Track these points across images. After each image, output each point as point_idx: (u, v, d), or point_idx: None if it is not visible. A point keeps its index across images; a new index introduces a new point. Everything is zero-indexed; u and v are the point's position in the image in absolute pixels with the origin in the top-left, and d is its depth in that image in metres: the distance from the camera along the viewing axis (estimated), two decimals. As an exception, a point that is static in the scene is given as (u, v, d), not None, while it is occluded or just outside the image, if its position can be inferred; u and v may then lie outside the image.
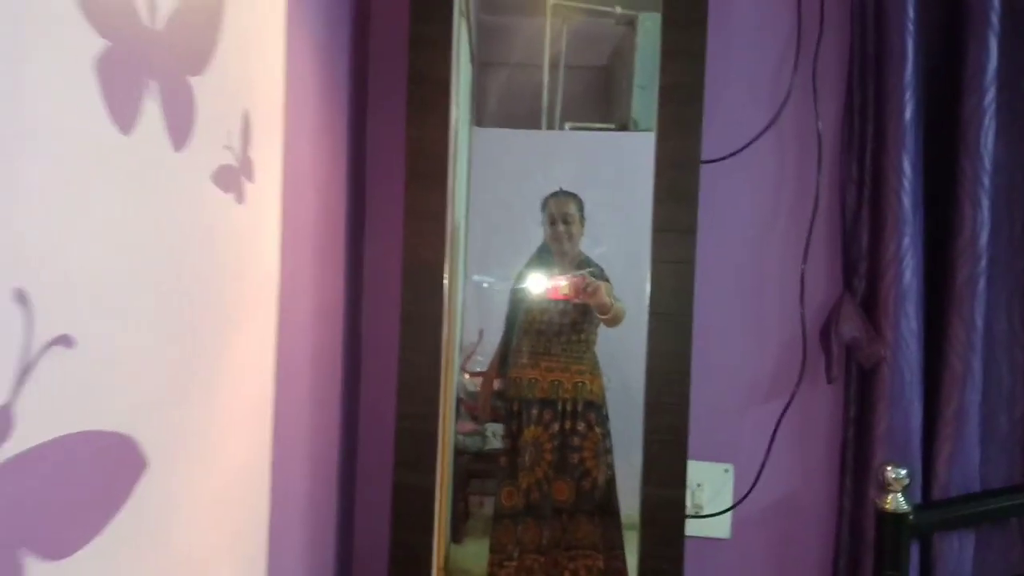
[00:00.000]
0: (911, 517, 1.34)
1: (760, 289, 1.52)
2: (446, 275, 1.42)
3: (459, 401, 1.74)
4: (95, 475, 0.63)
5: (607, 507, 1.62)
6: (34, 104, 0.54)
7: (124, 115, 0.65)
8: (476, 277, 1.77)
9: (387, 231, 1.53)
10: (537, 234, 1.68)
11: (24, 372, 0.54)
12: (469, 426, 1.77)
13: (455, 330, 1.74)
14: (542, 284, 1.64)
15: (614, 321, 1.54)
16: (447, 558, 1.69)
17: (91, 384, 0.62)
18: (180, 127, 0.74)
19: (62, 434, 0.58)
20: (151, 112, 0.69)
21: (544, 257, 1.68)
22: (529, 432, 1.64)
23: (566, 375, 1.63)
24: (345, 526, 1.51)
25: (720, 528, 1.52)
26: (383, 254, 1.55)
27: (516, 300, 1.71)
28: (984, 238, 1.36)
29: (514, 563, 1.63)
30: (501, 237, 1.80)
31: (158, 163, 0.71)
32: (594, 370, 1.62)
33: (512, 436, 1.65)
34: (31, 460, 0.55)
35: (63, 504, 0.59)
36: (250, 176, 0.93)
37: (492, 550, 1.65)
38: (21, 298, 0.53)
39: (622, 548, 1.63)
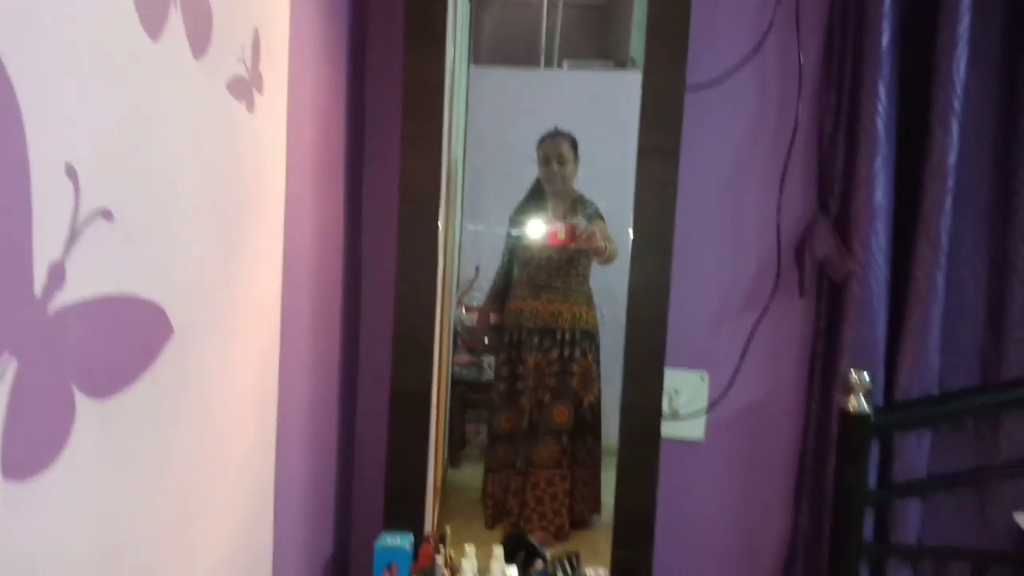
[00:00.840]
0: (872, 418, 1.45)
1: (739, 209, 1.61)
2: (442, 201, 1.51)
3: (456, 334, 1.85)
4: (131, 334, 0.73)
5: (593, 429, 1.74)
6: (81, 12, 0.63)
7: (153, 24, 0.73)
8: (472, 215, 1.85)
9: (384, 157, 1.61)
10: (533, 172, 1.75)
11: (72, 236, 0.64)
12: (466, 358, 1.89)
13: (452, 263, 1.82)
14: (539, 230, 1.74)
15: (608, 261, 1.64)
16: (444, 480, 1.82)
17: (128, 255, 0.72)
18: (200, 37, 0.83)
19: (104, 293, 0.69)
20: (175, 22, 0.77)
21: (539, 195, 1.77)
22: (531, 359, 1.75)
23: (565, 306, 1.73)
24: (346, 427, 1.64)
25: (695, 431, 1.64)
26: (381, 179, 1.63)
27: (513, 237, 1.81)
28: (952, 159, 1.44)
29: (511, 480, 1.77)
30: (498, 176, 1.87)
31: (182, 68, 0.80)
32: (589, 302, 1.73)
33: (512, 364, 1.76)
34: (80, 311, 0.65)
35: (105, 353, 0.70)
36: (260, 88, 1.02)
37: (489, 469, 1.78)
38: (71, 172, 0.63)
39: (599, 467, 1.76)
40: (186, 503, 0.85)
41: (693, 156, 1.55)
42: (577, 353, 1.72)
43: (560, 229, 1.68)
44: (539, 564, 1.66)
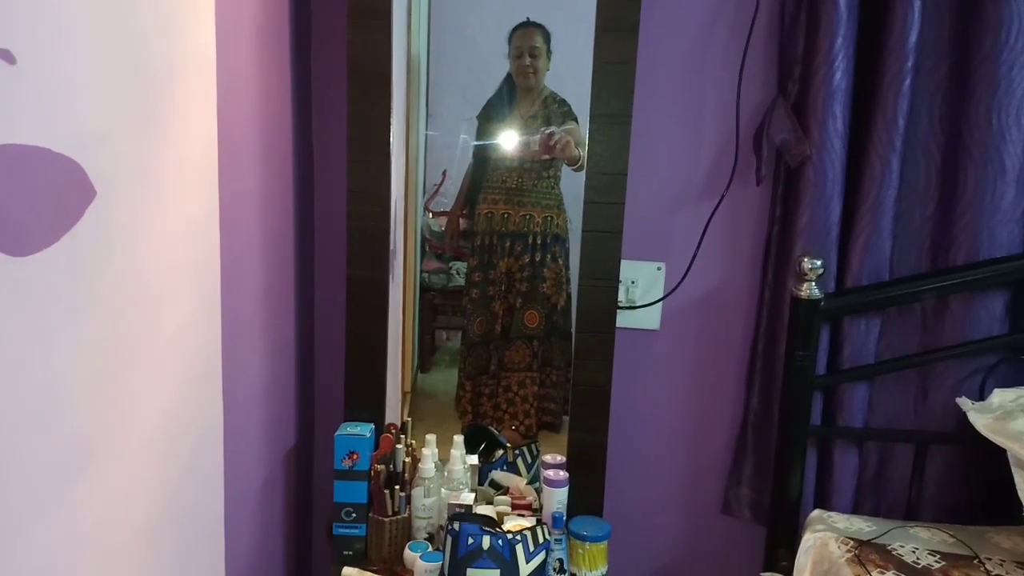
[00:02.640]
0: (823, 303, 1.47)
1: (699, 92, 1.57)
2: (395, 87, 1.45)
3: (424, 240, 1.82)
4: (47, 191, 0.69)
5: (563, 331, 1.73)
6: None
7: None
8: (437, 117, 1.77)
9: (335, 36, 1.53)
10: (501, 71, 1.67)
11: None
12: (434, 264, 1.86)
13: (416, 166, 1.75)
14: (511, 139, 1.68)
15: (583, 168, 1.56)
16: (414, 385, 1.83)
17: (36, 103, 0.67)
18: None
19: (12, 142, 0.64)
20: None
21: (509, 92, 1.71)
22: (503, 264, 1.72)
23: (536, 210, 1.70)
24: (304, 316, 1.62)
25: (651, 320, 1.64)
26: (331, 60, 1.56)
27: (481, 137, 1.76)
28: (913, 38, 1.41)
29: (484, 384, 1.77)
30: (464, 73, 1.77)
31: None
32: (560, 206, 1.70)
33: (483, 268, 1.74)
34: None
35: (19, 208, 0.66)
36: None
37: (466, 375, 1.78)
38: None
39: (568, 367, 1.76)
40: (111, 361, 0.83)
41: (652, 35, 1.50)
42: (548, 257, 1.70)
43: (534, 140, 1.63)
44: (499, 453, 1.69)
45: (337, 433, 1.44)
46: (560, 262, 1.71)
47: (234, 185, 1.16)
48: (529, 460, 1.73)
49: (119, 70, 0.80)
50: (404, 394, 1.77)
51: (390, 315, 1.52)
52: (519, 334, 1.73)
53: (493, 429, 1.76)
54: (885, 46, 1.43)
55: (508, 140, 1.68)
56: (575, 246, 1.53)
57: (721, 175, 1.58)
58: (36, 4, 0.66)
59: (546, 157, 1.63)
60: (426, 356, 1.87)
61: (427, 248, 1.82)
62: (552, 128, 1.61)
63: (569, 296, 1.71)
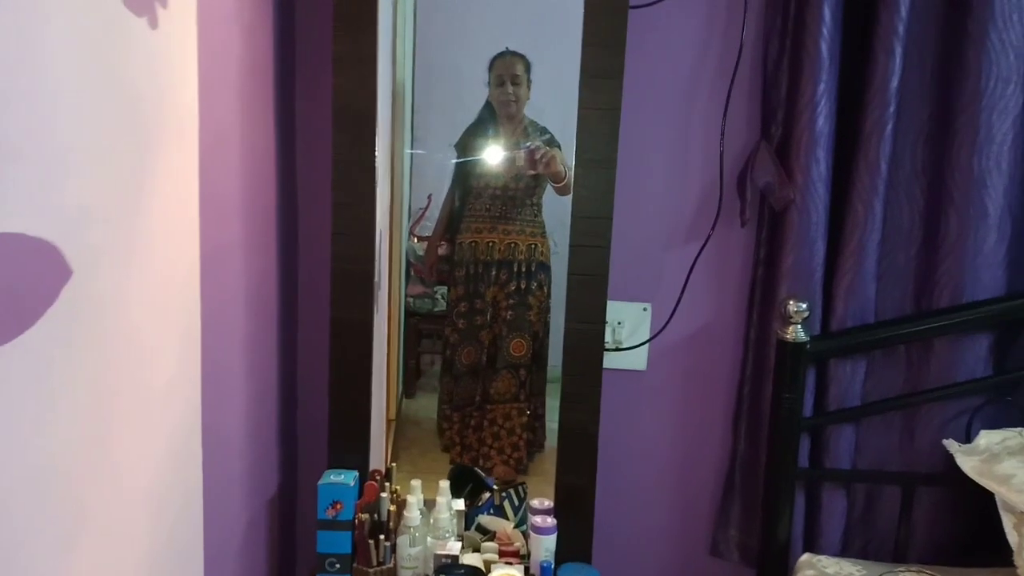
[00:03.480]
0: (808, 346, 1.47)
1: (684, 136, 1.58)
2: (380, 126, 1.45)
3: (409, 265, 1.81)
4: (21, 275, 0.68)
5: (540, 360, 1.73)
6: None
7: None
8: (421, 142, 1.78)
9: (321, 81, 1.52)
10: (482, 97, 1.67)
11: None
12: (419, 288, 1.84)
13: (401, 191, 1.75)
14: (495, 156, 1.68)
15: (567, 189, 1.57)
16: (399, 411, 1.81)
17: (18, 189, 0.65)
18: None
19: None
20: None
21: (488, 120, 1.71)
22: (489, 293, 1.71)
23: (521, 238, 1.69)
24: (287, 360, 1.60)
25: (637, 361, 1.64)
26: (316, 105, 1.55)
27: (461, 165, 1.76)
28: (894, 84, 1.42)
29: (471, 416, 1.76)
30: (448, 100, 1.77)
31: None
32: (544, 233, 1.70)
33: (470, 298, 1.73)
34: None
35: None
36: (163, 2, 0.93)
37: (452, 407, 1.76)
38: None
39: (544, 395, 1.76)
40: (104, 427, 0.83)
41: (638, 79, 1.50)
42: (533, 285, 1.70)
43: (519, 154, 1.62)
44: (485, 496, 1.68)
45: (320, 482, 1.42)
46: (545, 290, 1.70)
47: (216, 238, 1.15)
48: (516, 503, 1.72)
49: (103, 143, 0.79)
50: (389, 422, 1.75)
51: (374, 350, 1.51)
52: (505, 363, 1.72)
53: (479, 470, 1.75)
54: (867, 91, 1.44)
55: (492, 167, 1.67)
56: (559, 272, 1.52)
57: (707, 216, 1.58)
58: (18, 84, 0.65)
59: (531, 172, 1.61)
60: (411, 381, 1.85)
61: (412, 272, 1.81)
62: (536, 142, 1.59)
63: (548, 323, 1.71)
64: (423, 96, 1.75)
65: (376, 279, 1.49)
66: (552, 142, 1.64)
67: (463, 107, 1.71)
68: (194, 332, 1.09)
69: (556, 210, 1.60)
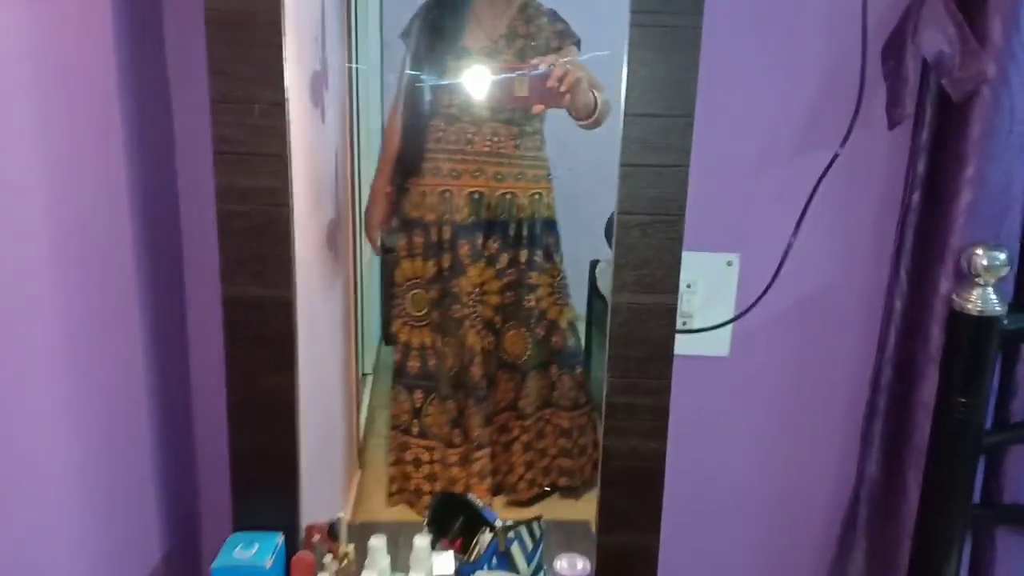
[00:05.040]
0: (1004, 321, 0.91)
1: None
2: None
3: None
4: None
5: (571, 355, 1.17)
6: None
7: None
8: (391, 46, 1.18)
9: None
10: None
11: None
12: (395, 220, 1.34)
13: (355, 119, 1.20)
14: (481, 77, 1.06)
15: (598, 123, 0.99)
16: (377, 358, 1.37)
17: None
18: None
19: None
20: None
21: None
22: (473, 271, 1.12)
23: (520, 184, 1.10)
24: (165, 361, 1.00)
25: (717, 343, 1.07)
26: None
27: (416, 67, 1.12)
28: None
29: (445, 448, 1.19)
30: None
31: None
32: (549, 175, 1.12)
33: (438, 278, 1.14)
34: None
35: None
36: None
37: (412, 436, 1.20)
38: None
39: (589, 403, 1.20)
40: None
41: None
42: (538, 255, 1.12)
43: (519, 81, 1.00)
44: (485, 538, 1.12)
45: (216, 564, 0.86)
46: (557, 260, 1.14)
47: None
48: (529, 547, 1.17)
49: None
50: (364, 376, 1.32)
51: (311, 335, 0.93)
52: (498, 371, 1.18)
53: (473, 498, 1.19)
54: None
55: (472, 77, 1.08)
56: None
57: (829, 116, 0.99)
58: None
59: (540, 109, 1.01)
60: (389, 326, 1.37)
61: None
62: (554, 59, 0.97)
63: (571, 303, 1.16)
64: None
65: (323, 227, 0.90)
66: (567, 34, 1.04)
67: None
68: None
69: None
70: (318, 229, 1.04)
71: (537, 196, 1.12)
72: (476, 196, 1.11)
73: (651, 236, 0.88)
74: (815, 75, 0.99)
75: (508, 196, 1.11)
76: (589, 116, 0.99)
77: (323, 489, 1.09)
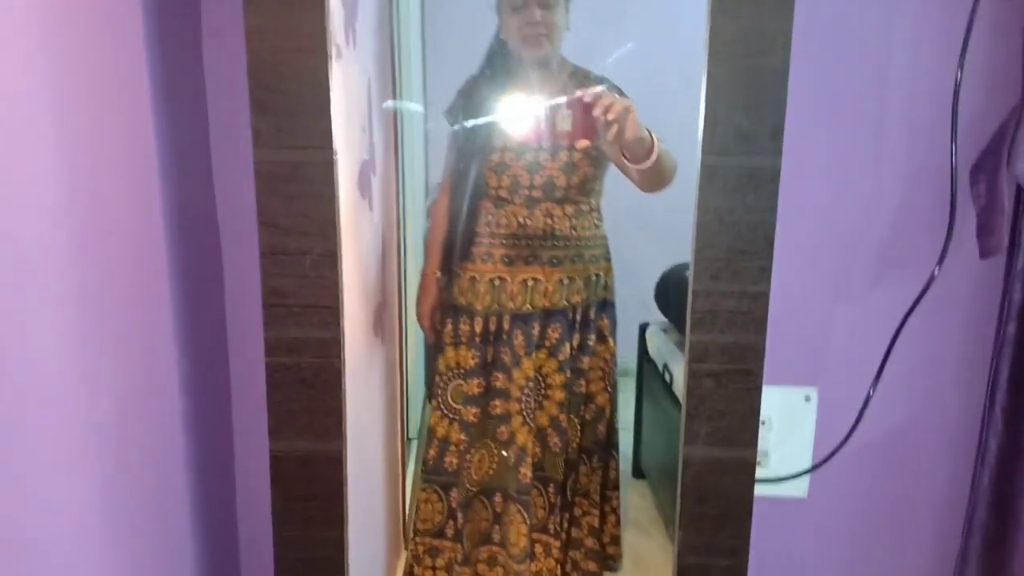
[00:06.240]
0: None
1: (875, 92, 0.91)
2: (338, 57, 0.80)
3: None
4: None
5: (607, 441, 1.11)
6: None
7: None
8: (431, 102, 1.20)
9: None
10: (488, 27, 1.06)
11: None
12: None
13: (402, 162, 1.22)
14: (519, 113, 1.01)
15: (659, 174, 0.87)
16: (423, 419, 1.37)
17: None
18: None
19: None
20: None
21: (502, 69, 1.05)
22: (527, 364, 1.06)
23: (579, 267, 1.05)
24: (213, 483, 0.96)
25: (794, 483, 0.99)
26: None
27: (469, 143, 1.07)
28: None
29: (484, 551, 1.12)
30: (466, 49, 1.17)
31: None
32: (608, 253, 1.08)
33: (487, 373, 1.08)
34: None
35: None
36: None
37: (443, 539, 1.13)
38: None
39: (618, 489, 1.14)
40: None
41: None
42: (591, 339, 1.07)
43: (560, 109, 0.93)
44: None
45: None
46: (611, 343, 1.08)
47: None
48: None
49: None
50: (409, 440, 1.34)
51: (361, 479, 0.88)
52: (542, 468, 1.11)
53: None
54: None
55: (519, 143, 1.04)
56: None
57: (920, 240, 0.92)
58: None
59: (584, 144, 0.91)
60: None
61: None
62: (595, 88, 0.85)
63: (615, 385, 1.12)
64: (435, 46, 1.22)
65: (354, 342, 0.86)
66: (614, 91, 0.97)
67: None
68: None
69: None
70: (366, 317, 1.00)
71: (596, 278, 1.07)
72: (530, 283, 1.06)
73: (726, 386, 0.81)
74: (896, 195, 0.93)
75: (565, 281, 1.06)
76: (646, 157, 0.86)
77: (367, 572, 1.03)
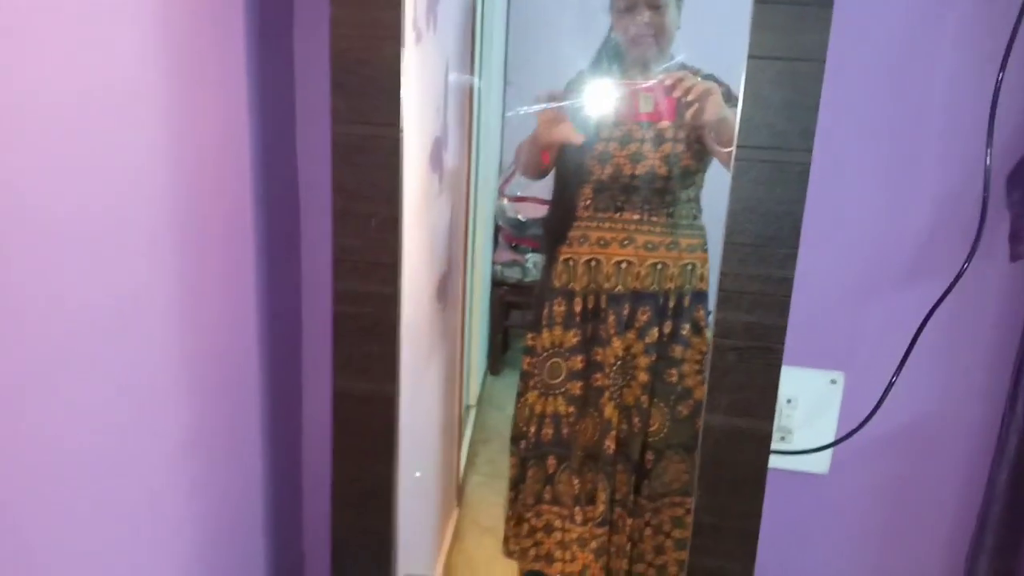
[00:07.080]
0: None
1: (914, 102, 0.94)
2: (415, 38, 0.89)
3: (497, 228, 1.51)
4: None
5: (688, 438, 1.16)
6: None
7: None
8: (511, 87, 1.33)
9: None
10: (600, 28, 1.11)
11: None
12: (507, 255, 1.53)
13: (476, 139, 1.35)
14: (608, 97, 1.07)
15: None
16: (481, 394, 1.56)
17: None
18: None
19: None
20: None
21: (612, 67, 1.11)
22: (619, 343, 1.13)
23: (673, 254, 1.11)
24: (281, 438, 1.08)
25: (815, 460, 1.04)
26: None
27: (569, 144, 1.13)
28: None
29: (588, 526, 1.20)
30: (549, 35, 1.29)
31: None
32: (705, 244, 1.11)
33: (586, 348, 1.16)
34: None
35: None
36: None
37: (546, 504, 1.22)
38: None
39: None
40: None
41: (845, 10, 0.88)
42: (685, 329, 1.11)
43: (646, 97, 1.01)
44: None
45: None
46: (707, 334, 1.12)
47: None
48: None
49: None
50: (468, 408, 1.50)
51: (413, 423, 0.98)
52: (631, 447, 1.16)
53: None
54: None
55: (623, 134, 1.10)
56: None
57: (945, 240, 0.95)
58: None
59: (665, 124, 1.01)
60: (497, 357, 1.66)
61: (500, 237, 1.53)
62: (682, 74, 0.94)
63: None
64: (516, 33, 1.34)
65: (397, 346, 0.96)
66: (728, 95, 1.00)
67: (570, 43, 1.16)
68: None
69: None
70: (430, 281, 1.10)
71: (690, 267, 1.11)
72: (624, 265, 1.12)
73: (748, 361, 0.87)
74: (929, 199, 0.96)
75: (658, 266, 1.12)
76: (725, 133, 0.92)
77: (419, 526, 1.13)
